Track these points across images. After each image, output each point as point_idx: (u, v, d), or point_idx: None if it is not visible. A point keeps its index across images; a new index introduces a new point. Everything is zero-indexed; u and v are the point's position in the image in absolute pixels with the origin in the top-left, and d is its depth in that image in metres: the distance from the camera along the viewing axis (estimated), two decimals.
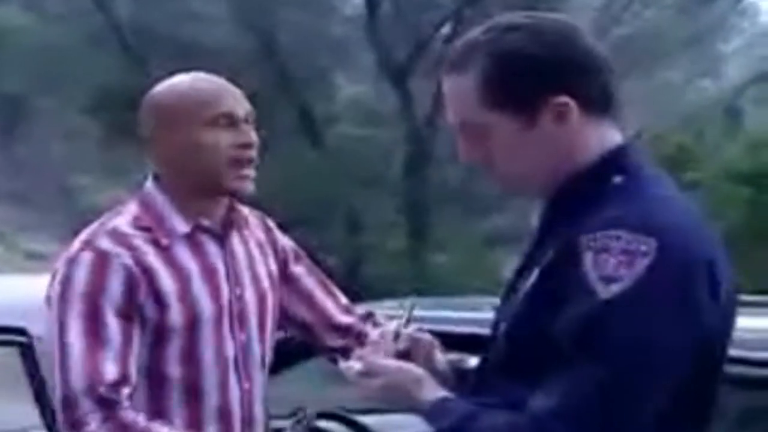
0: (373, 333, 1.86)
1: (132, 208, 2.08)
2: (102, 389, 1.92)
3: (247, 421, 2.09)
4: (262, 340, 2.13)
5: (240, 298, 2.10)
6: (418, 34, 12.14)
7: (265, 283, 2.17)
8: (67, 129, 13.27)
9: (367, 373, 1.68)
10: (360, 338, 2.21)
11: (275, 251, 2.25)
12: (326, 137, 12.31)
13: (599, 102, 1.61)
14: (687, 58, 13.72)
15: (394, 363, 1.69)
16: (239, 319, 2.09)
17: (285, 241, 2.29)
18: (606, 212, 1.51)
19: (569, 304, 1.48)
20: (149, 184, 2.10)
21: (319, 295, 2.29)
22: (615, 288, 1.46)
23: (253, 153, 2.07)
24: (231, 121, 2.05)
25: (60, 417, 1.96)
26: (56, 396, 1.96)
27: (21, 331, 2.84)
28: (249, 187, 2.08)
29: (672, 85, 13.70)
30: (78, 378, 1.93)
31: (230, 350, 2.06)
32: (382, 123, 12.48)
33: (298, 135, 12.10)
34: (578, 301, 1.47)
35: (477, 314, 2.76)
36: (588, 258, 1.48)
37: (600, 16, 12.54)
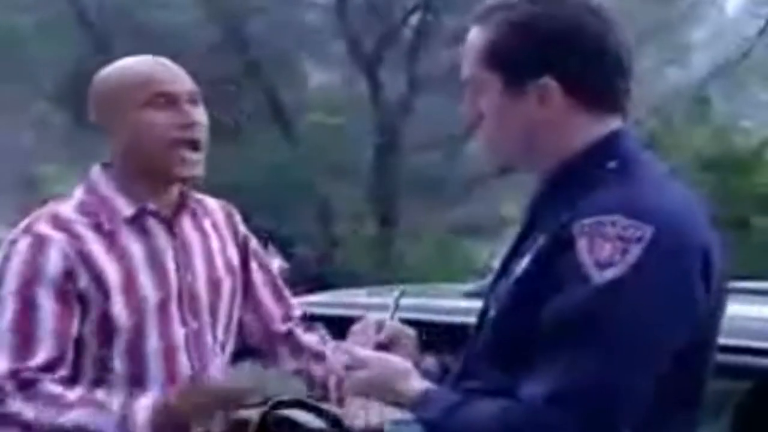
0: (355, 324, 1.84)
1: (77, 194, 2.05)
2: (27, 372, 1.89)
3: None
4: (215, 327, 2.09)
5: (191, 286, 2.05)
6: (388, 22, 12.12)
7: (221, 270, 2.12)
8: (31, 117, 13.13)
9: (353, 366, 1.67)
10: (295, 351, 2.20)
11: (236, 237, 2.20)
12: (296, 125, 12.26)
13: (598, 90, 1.59)
14: (655, 47, 13.78)
15: (379, 355, 1.69)
16: (190, 306, 2.05)
17: (245, 231, 2.24)
18: (601, 197, 1.51)
19: (563, 289, 1.47)
20: (95, 170, 2.07)
21: (267, 296, 2.25)
22: (609, 274, 1.45)
23: (197, 134, 1.99)
24: (169, 100, 1.97)
25: None
26: None
27: None
28: (196, 171, 2.01)
29: (641, 73, 13.76)
30: (3, 360, 1.90)
31: (180, 338, 2.03)
32: (352, 111, 12.44)
33: (268, 123, 12.04)
34: (572, 287, 1.47)
35: (442, 302, 2.75)
36: (583, 243, 1.47)
37: None
